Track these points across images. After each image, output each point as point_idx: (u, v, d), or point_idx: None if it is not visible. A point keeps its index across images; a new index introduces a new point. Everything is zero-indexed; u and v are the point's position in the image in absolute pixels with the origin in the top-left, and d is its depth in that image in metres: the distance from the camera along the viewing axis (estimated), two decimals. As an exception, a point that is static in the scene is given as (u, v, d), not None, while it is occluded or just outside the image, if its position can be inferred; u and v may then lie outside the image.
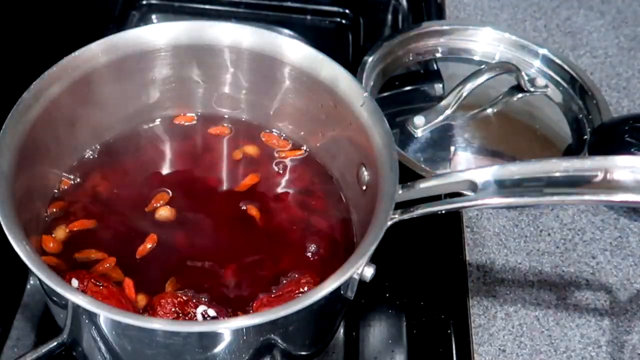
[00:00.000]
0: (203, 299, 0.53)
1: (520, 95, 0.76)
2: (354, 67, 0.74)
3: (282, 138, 0.65)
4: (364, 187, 0.57)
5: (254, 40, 0.61)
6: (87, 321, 0.49)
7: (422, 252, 0.67)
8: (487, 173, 0.52)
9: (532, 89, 0.76)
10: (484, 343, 0.61)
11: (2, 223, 0.47)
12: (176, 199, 0.60)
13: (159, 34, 0.61)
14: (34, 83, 0.55)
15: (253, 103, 0.65)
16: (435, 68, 0.80)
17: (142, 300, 0.53)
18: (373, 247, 0.48)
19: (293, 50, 0.60)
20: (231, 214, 0.60)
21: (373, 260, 0.50)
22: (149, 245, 0.56)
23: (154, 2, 0.90)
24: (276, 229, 0.59)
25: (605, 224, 0.70)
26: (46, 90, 0.56)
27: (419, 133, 0.72)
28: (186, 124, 0.66)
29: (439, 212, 0.53)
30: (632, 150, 0.66)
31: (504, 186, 0.52)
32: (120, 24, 0.87)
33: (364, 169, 0.57)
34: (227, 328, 0.46)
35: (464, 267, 0.66)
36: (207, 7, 0.90)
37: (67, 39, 0.68)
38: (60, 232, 0.57)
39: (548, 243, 0.68)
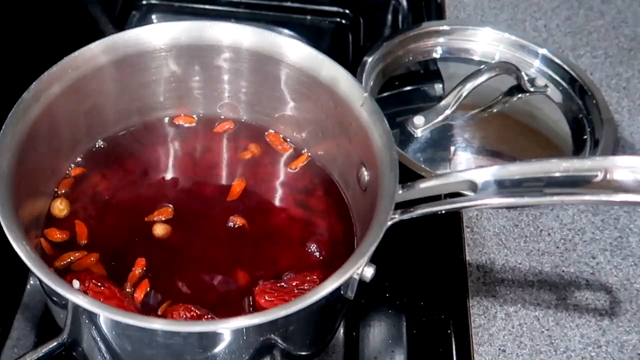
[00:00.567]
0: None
1: (520, 95, 0.76)
2: (354, 67, 0.74)
3: (281, 138, 0.65)
4: (364, 187, 0.57)
5: (254, 40, 0.61)
6: (87, 321, 0.49)
7: (422, 252, 0.67)
8: (487, 173, 0.52)
9: (532, 89, 0.76)
10: (484, 343, 0.61)
11: (2, 223, 0.47)
12: (176, 200, 0.60)
13: (159, 34, 0.61)
14: (34, 83, 0.55)
15: (253, 103, 0.65)
16: (435, 68, 0.80)
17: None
18: (373, 247, 0.48)
19: (293, 50, 0.60)
20: (230, 214, 0.60)
21: (373, 260, 0.50)
22: (138, 271, 0.55)
23: (154, 2, 0.90)
24: (276, 229, 0.59)
25: (605, 224, 0.70)
26: (46, 90, 0.56)
27: (419, 133, 0.72)
28: (186, 124, 0.66)
29: (439, 212, 0.53)
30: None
31: (504, 186, 0.52)
32: (120, 24, 0.87)
33: (364, 169, 0.57)
34: (227, 328, 0.46)
35: (464, 267, 0.66)
36: (207, 7, 0.90)
37: (67, 39, 0.68)
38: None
39: (548, 243, 0.68)
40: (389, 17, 0.90)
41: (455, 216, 0.69)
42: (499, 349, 0.61)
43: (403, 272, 0.65)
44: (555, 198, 0.52)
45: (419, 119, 0.72)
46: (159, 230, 0.58)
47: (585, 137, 0.73)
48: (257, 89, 0.64)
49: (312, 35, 0.86)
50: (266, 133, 0.65)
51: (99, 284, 0.52)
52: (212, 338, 0.48)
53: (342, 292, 0.51)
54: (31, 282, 0.63)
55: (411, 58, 0.80)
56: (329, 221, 0.60)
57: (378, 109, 0.56)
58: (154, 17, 0.90)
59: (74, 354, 0.56)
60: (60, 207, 0.58)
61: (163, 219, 0.59)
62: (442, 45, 0.82)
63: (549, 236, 0.69)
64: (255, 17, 0.89)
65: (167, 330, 0.45)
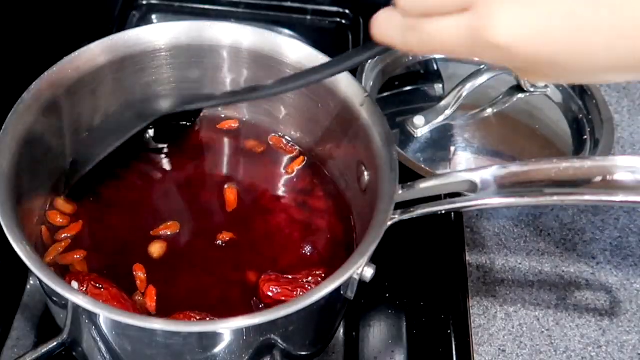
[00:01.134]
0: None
1: (520, 95, 0.76)
2: (354, 67, 0.73)
3: (281, 138, 0.65)
4: (364, 188, 0.57)
5: (254, 40, 0.61)
6: (87, 321, 0.49)
7: (422, 252, 0.67)
8: (487, 173, 0.52)
9: (532, 89, 0.76)
10: (484, 343, 0.61)
11: (2, 223, 0.47)
12: (174, 203, 0.60)
13: (159, 34, 0.61)
14: (34, 83, 0.55)
15: (252, 103, 0.65)
16: (435, 68, 0.80)
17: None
18: (373, 247, 0.48)
19: (293, 50, 0.60)
20: (230, 214, 0.60)
21: (373, 260, 0.50)
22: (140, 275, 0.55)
23: (154, 2, 0.90)
24: (276, 230, 0.59)
25: (605, 224, 0.70)
26: (46, 91, 0.56)
27: (419, 133, 0.72)
28: (186, 124, 0.66)
29: (439, 212, 0.53)
30: None
31: (504, 186, 0.52)
32: (120, 24, 0.87)
33: (364, 169, 0.57)
34: (227, 328, 0.46)
35: (464, 267, 0.66)
36: (207, 7, 0.90)
37: (67, 39, 0.68)
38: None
39: (548, 243, 0.68)
40: (389, 17, 0.90)
41: (455, 216, 0.69)
42: (499, 349, 0.61)
43: (403, 272, 0.65)
44: (555, 198, 0.52)
45: (419, 119, 0.72)
46: (156, 248, 0.57)
47: (585, 137, 0.73)
48: (257, 89, 0.64)
49: (312, 35, 0.86)
50: (268, 135, 0.65)
51: (98, 285, 0.52)
52: (212, 338, 0.48)
53: (342, 292, 0.51)
54: (31, 282, 0.63)
55: (411, 58, 0.80)
56: (329, 221, 0.60)
57: (378, 109, 0.56)
58: (154, 17, 0.90)
59: (74, 354, 0.56)
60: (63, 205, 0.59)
61: (168, 232, 0.58)
62: (442, 45, 0.82)
63: (549, 236, 0.69)
64: (255, 17, 0.89)
65: (167, 330, 0.45)
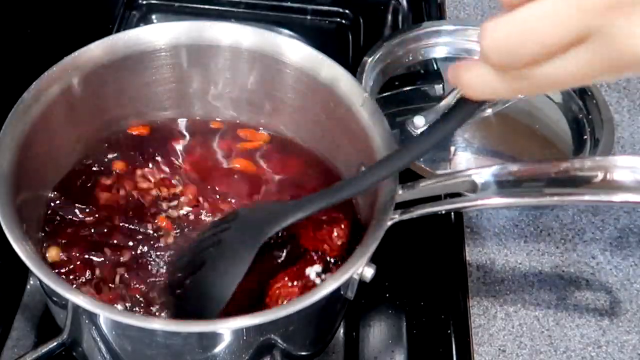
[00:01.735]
0: None
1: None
2: (354, 67, 0.73)
3: (281, 138, 0.65)
4: (364, 187, 0.57)
5: (254, 40, 0.61)
6: (87, 321, 0.49)
7: (422, 252, 0.67)
8: (487, 173, 0.52)
9: (532, 89, 0.76)
10: (484, 343, 0.61)
11: (2, 223, 0.47)
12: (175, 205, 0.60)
13: (159, 34, 0.61)
14: (34, 83, 0.55)
15: (253, 103, 0.65)
16: (435, 68, 0.80)
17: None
18: (373, 247, 0.48)
19: (293, 50, 0.60)
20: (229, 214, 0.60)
21: (373, 260, 0.50)
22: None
23: (154, 2, 0.90)
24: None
25: (605, 224, 0.70)
26: (46, 90, 0.56)
27: (419, 133, 0.72)
28: (186, 124, 0.66)
29: (439, 212, 0.53)
30: None
31: (504, 186, 0.52)
32: (120, 24, 0.87)
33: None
34: (227, 328, 0.46)
35: (464, 267, 0.66)
36: (207, 7, 0.90)
37: (67, 39, 0.68)
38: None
39: (548, 243, 0.68)
40: (389, 17, 0.90)
41: (455, 216, 0.69)
42: (499, 349, 0.61)
43: (403, 272, 0.65)
44: (555, 198, 0.52)
45: (419, 119, 0.72)
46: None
47: (585, 137, 0.73)
48: (257, 89, 0.64)
49: (312, 35, 0.86)
50: (268, 135, 0.65)
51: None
52: (212, 338, 0.48)
53: (342, 292, 0.51)
54: (31, 282, 0.63)
55: (411, 58, 0.80)
56: (329, 221, 0.60)
57: (378, 109, 0.56)
58: (154, 17, 0.90)
59: (74, 354, 0.56)
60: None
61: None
62: (442, 45, 0.82)
63: (549, 236, 0.69)
64: (255, 17, 0.89)
65: (167, 330, 0.45)
